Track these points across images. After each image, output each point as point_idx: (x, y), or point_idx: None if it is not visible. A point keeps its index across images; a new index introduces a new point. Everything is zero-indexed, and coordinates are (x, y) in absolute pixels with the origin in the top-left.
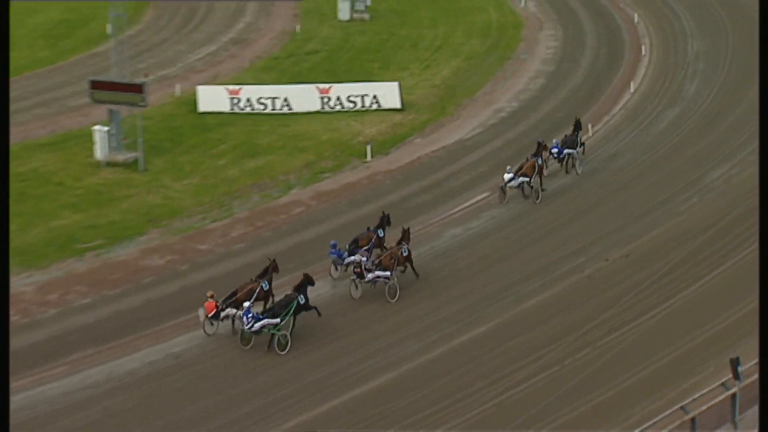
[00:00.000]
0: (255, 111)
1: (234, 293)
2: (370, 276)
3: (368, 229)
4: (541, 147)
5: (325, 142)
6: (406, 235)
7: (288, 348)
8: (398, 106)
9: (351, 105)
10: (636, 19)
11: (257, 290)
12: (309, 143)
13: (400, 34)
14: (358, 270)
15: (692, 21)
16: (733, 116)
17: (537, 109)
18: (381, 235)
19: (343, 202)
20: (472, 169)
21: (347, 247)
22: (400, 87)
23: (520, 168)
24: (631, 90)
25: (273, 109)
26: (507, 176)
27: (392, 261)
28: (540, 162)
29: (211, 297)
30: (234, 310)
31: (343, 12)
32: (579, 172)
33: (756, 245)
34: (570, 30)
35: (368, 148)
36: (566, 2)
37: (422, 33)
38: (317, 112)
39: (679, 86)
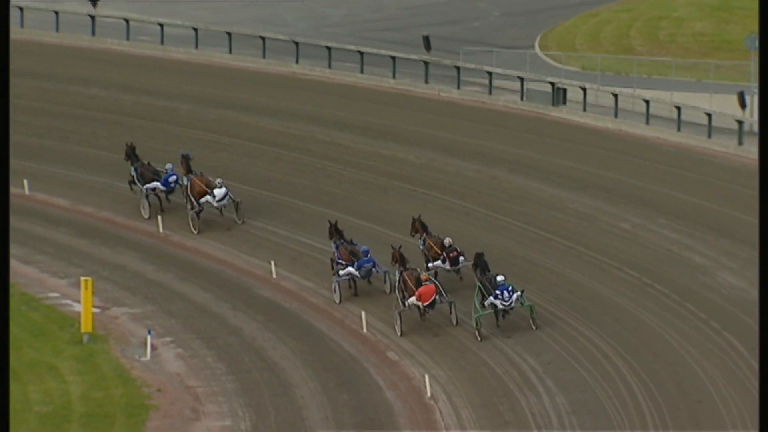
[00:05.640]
0: None
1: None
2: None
3: (348, 241)
4: None
5: None
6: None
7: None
8: None
9: None
10: (429, 390)
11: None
12: None
13: None
14: (455, 254)
15: (562, 395)
16: None
17: None
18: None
19: None
20: None
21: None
22: None
23: None
24: None
25: None
26: None
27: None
28: None
29: (428, 280)
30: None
31: None
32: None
33: None
34: (269, 418)
35: None
36: (251, 343)
37: None
38: None
39: None
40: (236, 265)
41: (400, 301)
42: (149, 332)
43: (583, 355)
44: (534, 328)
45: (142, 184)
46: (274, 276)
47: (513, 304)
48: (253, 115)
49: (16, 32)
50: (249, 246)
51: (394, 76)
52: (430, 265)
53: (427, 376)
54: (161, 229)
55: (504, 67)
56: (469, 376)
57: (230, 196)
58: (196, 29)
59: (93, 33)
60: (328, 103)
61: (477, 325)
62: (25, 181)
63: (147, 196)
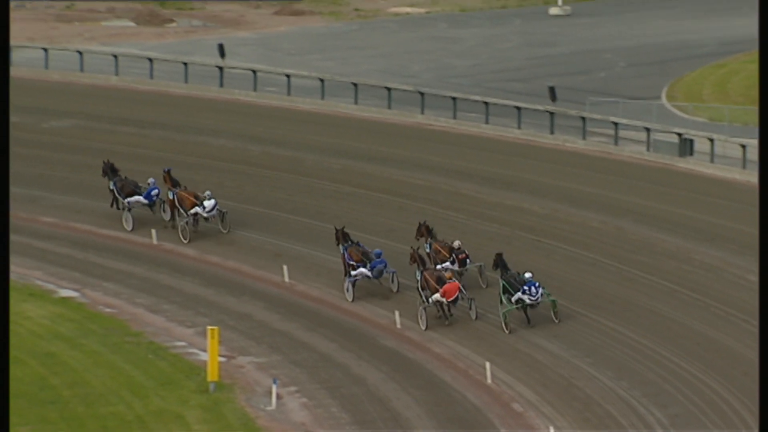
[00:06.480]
0: None
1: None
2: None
3: (355, 243)
4: None
5: None
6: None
7: None
8: None
9: None
10: None
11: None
12: None
13: None
14: (463, 256)
15: None
16: None
17: None
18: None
19: None
20: None
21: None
22: None
23: None
24: None
25: None
26: None
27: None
28: None
29: (451, 278)
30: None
31: None
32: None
33: None
34: None
35: None
36: (376, 393)
37: None
38: None
39: None
40: (361, 315)
41: (423, 298)
42: (274, 381)
43: (711, 409)
44: (556, 321)
45: (123, 198)
46: (398, 326)
47: (539, 299)
48: (377, 165)
49: (145, 83)
50: (374, 296)
51: (519, 127)
52: (438, 266)
53: (552, 429)
54: (287, 279)
55: (630, 118)
56: (595, 428)
57: (218, 208)
58: (322, 80)
59: (221, 84)
60: (452, 154)
61: (505, 319)
62: (153, 231)
63: (129, 210)
